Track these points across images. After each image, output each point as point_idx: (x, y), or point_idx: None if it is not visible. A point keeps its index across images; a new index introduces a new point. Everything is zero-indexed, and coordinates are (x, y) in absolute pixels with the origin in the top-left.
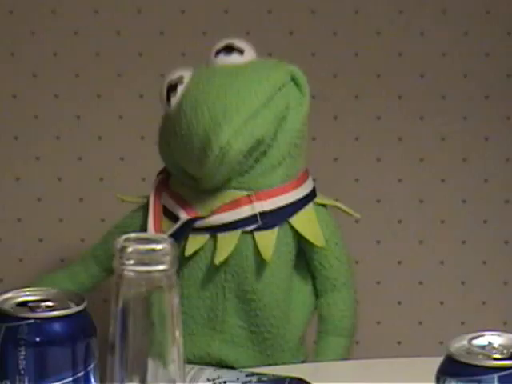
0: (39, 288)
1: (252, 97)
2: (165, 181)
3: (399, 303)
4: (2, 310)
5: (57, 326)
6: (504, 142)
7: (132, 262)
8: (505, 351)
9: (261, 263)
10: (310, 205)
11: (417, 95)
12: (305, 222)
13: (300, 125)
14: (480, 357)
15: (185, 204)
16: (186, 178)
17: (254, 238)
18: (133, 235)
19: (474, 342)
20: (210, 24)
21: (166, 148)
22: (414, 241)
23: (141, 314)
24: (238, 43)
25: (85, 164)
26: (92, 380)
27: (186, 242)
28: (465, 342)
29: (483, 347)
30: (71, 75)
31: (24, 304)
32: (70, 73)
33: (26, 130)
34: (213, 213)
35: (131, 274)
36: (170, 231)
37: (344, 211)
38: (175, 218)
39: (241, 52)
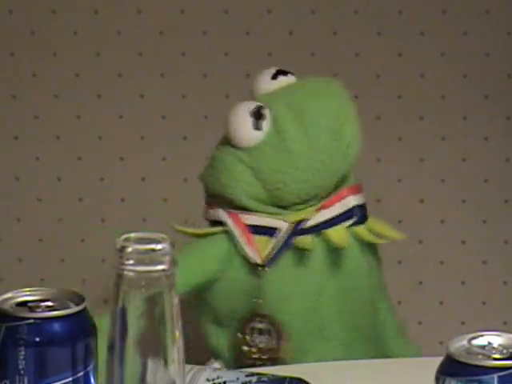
0: (39, 288)
1: (345, 98)
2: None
3: (399, 303)
4: (1, 310)
5: (56, 326)
6: (504, 141)
7: (132, 261)
8: (504, 351)
9: (363, 259)
10: None
11: (417, 95)
12: (375, 221)
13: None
14: (480, 357)
15: (276, 216)
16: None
17: (353, 232)
18: (132, 235)
19: (474, 342)
20: (209, 24)
21: (248, 178)
22: (414, 240)
23: (140, 313)
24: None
25: (85, 164)
26: (92, 380)
27: (294, 247)
28: (464, 342)
29: (483, 347)
30: (71, 75)
31: (24, 304)
32: (69, 73)
33: (26, 129)
34: (315, 213)
35: (131, 273)
36: (279, 238)
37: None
38: (271, 231)
39: (292, 74)
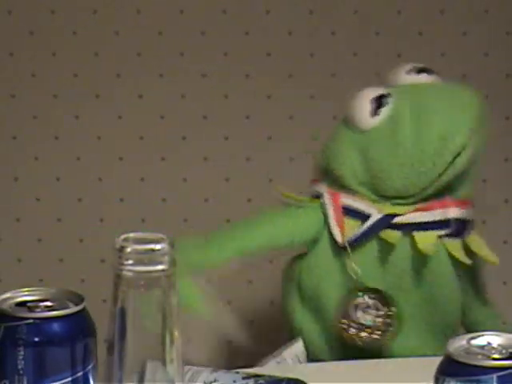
0: (38, 288)
1: (472, 109)
2: (333, 187)
3: None
4: (0, 310)
5: (56, 326)
6: (503, 141)
7: (131, 261)
8: (504, 351)
9: (453, 269)
10: None
11: None
12: (476, 240)
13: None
14: (479, 357)
15: (373, 204)
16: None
17: (444, 244)
18: (131, 235)
19: (473, 342)
20: (208, 24)
21: (356, 160)
22: None
23: (139, 313)
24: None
25: (84, 164)
26: (91, 380)
27: (378, 239)
28: (464, 342)
29: (482, 347)
30: (70, 75)
31: (23, 304)
32: (68, 73)
33: (25, 129)
34: (411, 211)
35: (130, 273)
36: (366, 225)
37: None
38: (363, 217)
39: (431, 72)
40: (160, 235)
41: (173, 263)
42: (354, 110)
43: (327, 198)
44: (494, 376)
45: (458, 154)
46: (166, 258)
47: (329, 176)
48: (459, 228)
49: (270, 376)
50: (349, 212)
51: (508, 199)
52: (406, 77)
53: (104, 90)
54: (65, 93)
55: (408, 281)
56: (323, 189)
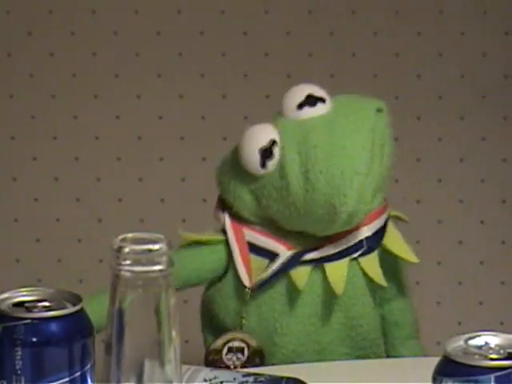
0: (36, 288)
1: (361, 152)
2: (235, 218)
3: None
4: None
5: (53, 326)
6: (501, 142)
7: (129, 262)
8: (501, 351)
9: (369, 288)
10: (391, 222)
11: (414, 95)
12: (393, 240)
13: (393, 146)
14: (477, 357)
15: (280, 239)
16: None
17: (359, 263)
18: (130, 235)
19: (471, 342)
20: (206, 24)
21: (249, 200)
22: (411, 241)
23: (137, 314)
24: (318, 92)
25: (82, 164)
26: (89, 380)
27: (288, 277)
28: (461, 342)
29: (480, 347)
30: (68, 75)
31: (21, 304)
32: (66, 73)
33: (23, 130)
34: (322, 245)
35: (128, 274)
36: (275, 266)
37: (401, 219)
38: (270, 255)
39: (323, 101)
40: (158, 235)
41: (171, 263)
42: (243, 155)
43: (231, 236)
44: (492, 376)
45: (356, 209)
46: (164, 259)
47: (227, 204)
48: (373, 242)
49: (269, 374)
50: (254, 250)
51: (506, 199)
52: (300, 110)
53: (102, 90)
54: (63, 93)
55: (322, 312)
56: (226, 223)
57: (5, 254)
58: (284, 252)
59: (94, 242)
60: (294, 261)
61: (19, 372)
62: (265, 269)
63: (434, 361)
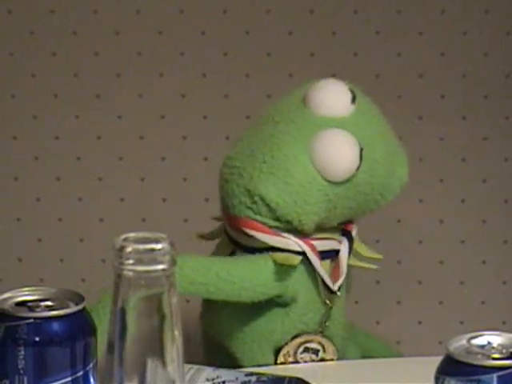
0: (38, 287)
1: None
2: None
3: (398, 303)
4: (1, 310)
5: (56, 326)
6: (503, 141)
7: (131, 261)
8: (504, 351)
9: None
10: None
11: (416, 95)
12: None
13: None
14: (479, 356)
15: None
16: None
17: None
18: (132, 235)
19: (473, 341)
20: (208, 24)
21: (322, 210)
22: (413, 241)
23: (140, 313)
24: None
25: (84, 164)
26: (91, 380)
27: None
28: (464, 342)
29: (482, 347)
30: (70, 75)
31: (23, 304)
32: (68, 72)
33: (25, 129)
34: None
35: (130, 273)
36: (344, 261)
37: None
38: (331, 254)
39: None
40: (160, 235)
41: (173, 263)
42: (333, 170)
43: (309, 252)
44: (494, 375)
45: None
46: (167, 258)
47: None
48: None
49: (272, 374)
50: (322, 256)
51: (508, 199)
52: (350, 108)
53: (104, 90)
54: (65, 92)
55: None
56: (299, 243)
57: (7, 253)
58: (343, 246)
59: (96, 242)
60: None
61: (22, 371)
62: (338, 268)
63: (437, 360)
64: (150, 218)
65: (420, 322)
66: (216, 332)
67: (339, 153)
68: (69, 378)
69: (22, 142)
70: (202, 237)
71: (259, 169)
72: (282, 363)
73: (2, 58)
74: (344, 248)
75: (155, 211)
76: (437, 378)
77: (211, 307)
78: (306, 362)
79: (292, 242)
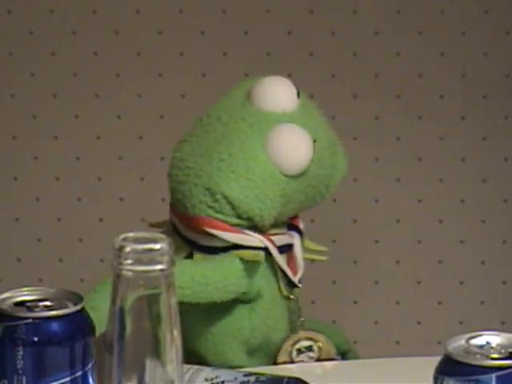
0: (37, 287)
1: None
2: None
3: (397, 303)
4: (0, 310)
5: (55, 326)
6: (502, 141)
7: (130, 261)
8: (503, 351)
9: None
10: None
11: (415, 95)
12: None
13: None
14: (478, 356)
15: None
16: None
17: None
18: (131, 234)
19: (472, 341)
20: (208, 23)
21: (279, 204)
22: (413, 240)
23: (139, 313)
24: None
25: (83, 163)
26: (90, 380)
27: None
28: (463, 342)
29: (481, 347)
30: (69, 75)
31: (22, 304)
32: (68, 72)
33: (25, 129)
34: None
35: (129, 273)
36: (300, 254)
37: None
38: (286, 248)
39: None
40: (159, 235)
41: (172, 263)
42: (288, 163)
43: (272, 248)
44: (493, 375)
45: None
46: (166, 258)
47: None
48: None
49: (271, 374)
50: (280, 250)
51: (507, 199)
52: (296, 102)
53: (103, 90)
54: (64, 92)
55: None
56: (260, 238)
57: (6, 253)
58: (296, 240)
59: (95, 242)
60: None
61: (20, 371)
62: (296, 262)
63: (435, 360)
64: (149, 218)
65: (419, 322)
66: (185, 338)
67: (296, 147)
68: (68, 378)
69: (21, 142)
70: (153, 225)
71: (217, 167)
72: None
73: (1, 58)
74: (297, 241)
75: (154, 211)
76: (436, 378)
77: None
78: (301, 361)
79: (255, 239)
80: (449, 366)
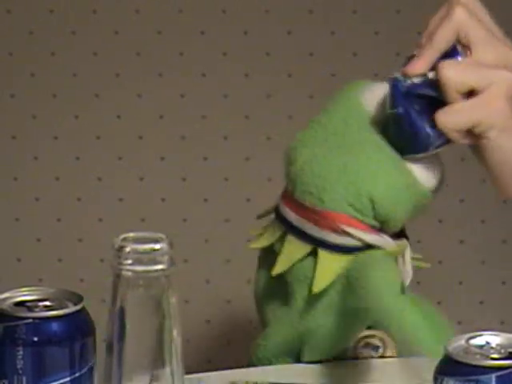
0: (37, 287)
1: None
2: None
3: None
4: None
5: (55, 326)
6: None
7: (130, 261)
8: (502, 351)
9: None
10: None
11: None
12: None
13: None
14: (478, 356)
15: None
16: None
17: None
18: (131, 234)
19: (472, 341)
20: (207, 23)
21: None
22: (412, 240)
23: (139, 313)
24: None
25: (83, 163)
26: (90, 380)
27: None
28: (462, 342)
29: (481, 347)
30: (69, 75)
31: (22, 304)
32: (68, 72)
33: (24, 129)
34: None
35: (129, 273)
36: None
37: None
38: None
39: None
40: (159, 235)
41: (172, 263)
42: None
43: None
44: (493, 376)
45: None
46: (166, 258)
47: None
48: None
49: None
50: None
51: (507, 200)
52: None
53: (103, 90)
54: (64, 92)
55: None
56: (387, 238)
57: (6, 253)
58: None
59: (95, 242)
60: None
61: (20, 372)
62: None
63: (435, 360)
64: (149, 218)
65: None
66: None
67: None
68: (67, 378)
69: (21, 142)
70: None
71: (365, 165)
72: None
73: (1, 58)
74: (408, 247)
75: (154, 211)
76: (435, 378)
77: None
78: (365, 357)
79: (390, 242)
80: (449, 366)
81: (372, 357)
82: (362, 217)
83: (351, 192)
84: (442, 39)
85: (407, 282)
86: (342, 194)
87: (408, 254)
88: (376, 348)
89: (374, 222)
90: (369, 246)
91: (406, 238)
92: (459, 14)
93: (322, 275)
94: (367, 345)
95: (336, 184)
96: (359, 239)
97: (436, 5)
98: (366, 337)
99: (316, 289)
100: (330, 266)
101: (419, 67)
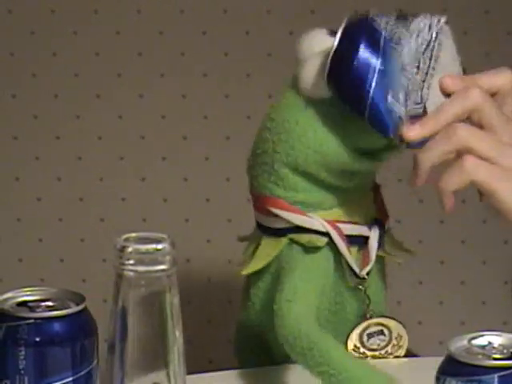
0: (39, 288)
1: None
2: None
3: (398, 303)
4: (2, 310)
5: (57, 326)
6: None
7: (132, 261)
8: (505, 351)
9: None
10: None
11: None
12: None
13: None
14: (480, 357)
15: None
16: None
17: None
18: (133, 235)
19: (474, 341)
20: (209, 24)
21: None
22: (414, 241)
23: (141, 313)
24: None
25: (84, 164)
26: (92, 380)
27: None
28: (465, 342)
29: (483, 347)
30: (71, 75)
31: (24, 304)
32: (69, 73)
33: (26, 129)
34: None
35: (131, 273)
36: (373, 250)
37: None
38: (360, 240)
39: None
40: (161, 235)
41: (174, 263)
42: None
43: (335, 235)
44: (495, 376)
45: None
46: (168, 258)
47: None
48: None
49: None
50: (350, 241)
51: None
52: None
53: (105, 90)
54: (66, 92)
55: None
56: (323, 223)
57: (8, 253)
58: (373, 233)
59: (97, 242)
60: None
61: (22, 372)
62: (366, 256)
63: (437, 360)
64: (150, 218)
65: (420, 322)
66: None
67: None
68: (70, 379)
69: (23, 142)
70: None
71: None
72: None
73: (2, 58)
74: (374, 235)
75: (156, 211)
76: (438, 379)
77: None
78: (378, 347)
79: (316, 222)
80: (451, 366)
81: (379, 345)
82: (285, 192)
83: (271, 169)
84: (452, 117)
85: (366, 269)
86: (265, 177)
87: (374, 240)
88: (381, 332)
89: (299, 197)
90: (299, 229)
91: (381, 226)
92: (476, 96)
93: (256, 259)
94: (371, 335)
95: (260, 167)
96: (288, 221)
97: (437, 5)
98: (364, 329)
99: (244, 271)
100: (266, 251)
101: (418, 133)
